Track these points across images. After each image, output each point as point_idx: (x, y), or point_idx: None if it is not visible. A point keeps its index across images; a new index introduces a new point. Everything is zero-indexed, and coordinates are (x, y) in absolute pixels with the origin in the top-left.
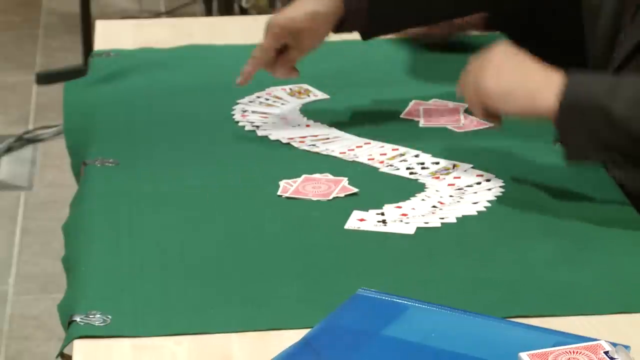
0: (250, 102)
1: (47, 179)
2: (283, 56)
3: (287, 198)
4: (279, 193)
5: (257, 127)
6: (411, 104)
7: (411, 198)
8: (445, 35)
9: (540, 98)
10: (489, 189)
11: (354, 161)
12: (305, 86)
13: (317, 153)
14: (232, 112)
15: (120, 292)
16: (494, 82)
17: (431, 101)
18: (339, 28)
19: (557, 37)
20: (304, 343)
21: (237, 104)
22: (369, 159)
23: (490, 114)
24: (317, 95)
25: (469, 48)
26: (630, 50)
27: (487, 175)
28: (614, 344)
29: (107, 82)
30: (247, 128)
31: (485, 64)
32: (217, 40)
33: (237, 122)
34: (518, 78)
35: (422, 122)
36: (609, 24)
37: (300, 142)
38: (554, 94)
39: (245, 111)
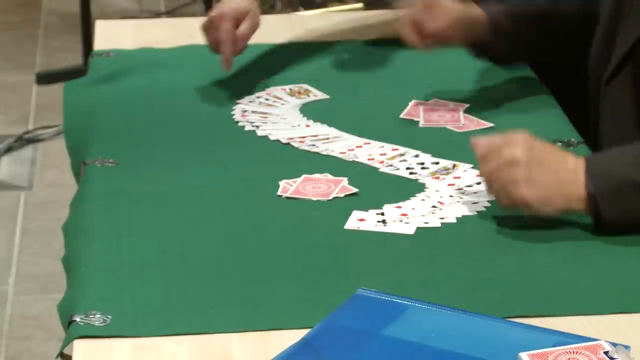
0: (250, 102)
1: (47, 179)
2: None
3: (287, 198)
4: (279, 193)
5: (257, 127)
6: (411, 104)
7: (411, 198)
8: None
9: (574, 199)
10: None
11: (353, 161)
12: (305, 86)
13: (317, 153)
14: (232, 112)
15: (120, 292)
16: (528, 190)
17: (431, 101)
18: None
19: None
20: (304, 343)
21: (237, 104)
22: (368, 159)
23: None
24: (317, 95)
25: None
26: (623, 54)
27: None
28: (614, 344)
29: (107, 82)
30: (247, 128)
31: (514, 168)
32: None
33: (237, 122)
34: (550, 180)
35: (422, 122)
36: (606, 27)
37: (300, 142)
38: (582, 187)
39: (245, 111)
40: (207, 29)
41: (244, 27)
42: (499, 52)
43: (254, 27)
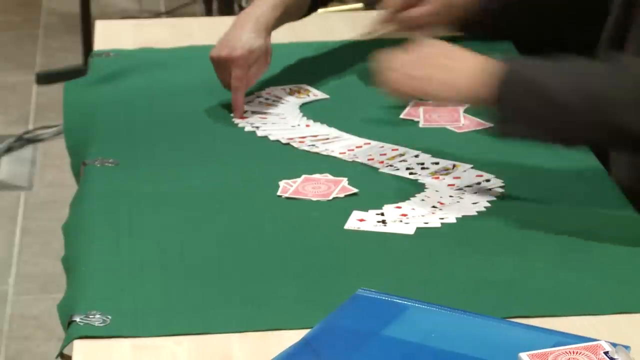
0: (250, 102)
1: (47, 179)
2: None
3: (287, 198)
4: (278, 193)
5: (257, 127)
6: (411, 104)
7: (411, 198)
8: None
9: (468, 85)
10: (489, 189)
11: (353, 161)
12: (305, 86)
13: (317, 153)
14: (232, 113)
15: (120, 292)
16: (420, 70)
17: (431, 101)
18: None
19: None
20: (303, 343)
21: None
22: (368, 159)
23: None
24: (317, 95)
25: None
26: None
27: (487, 175)
28: (614, 344)
29: (107, 82)
30: (247, 129)
31: (411, 54)
32: (217, 40)
33: (237, 122)
34: (444, 65)
35: (422, 122)
36: (619, 17)
37: (300, 142)
38: (483, 78)
39: (245, 111)
40: (217, 66)
41: (254, 69)
42: (485, 29)
43: (266, 66)
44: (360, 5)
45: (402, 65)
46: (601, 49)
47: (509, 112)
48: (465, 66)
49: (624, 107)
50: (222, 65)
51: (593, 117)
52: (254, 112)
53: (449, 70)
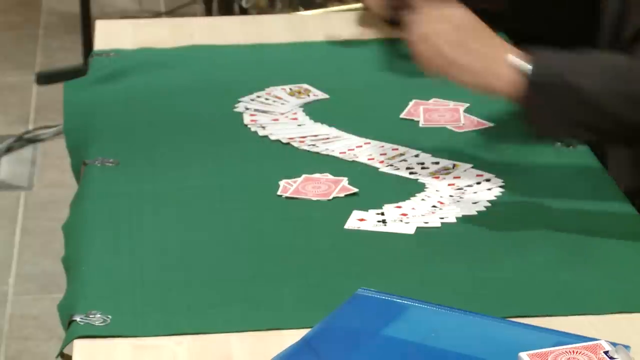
0: (252, 100)
1: (47, 179)
2: None
3: (287, 198)
4: (279, 193)
5: (263, 127)
6: (411, 104)
7: (411, 198)
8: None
9: (497, 78)
10: (489, 189)
11: (354, 161)
12: (305, 86)
13: (317, 153)
14: (235, 109)
15: (120, 292)
16: (451, 50)
17: (431, 101)
18: None
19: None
20: (303, 343)
21: (239, 102)
22: (369, 159)
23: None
24: (317, 95)
25: None
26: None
27: (487, 175)
28: (614, 344)
29: (107, 82)
30: (253, 128)
31: (445, 25)
32: (217, 40)
33: (247, 125)
34: (476, 50)
35: (422, 122)
36: (615, 15)
37: (300, 142)
38: (512, 73)
39: (252, 112)
40: None
41: None
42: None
43: None
44: (360, 5)
45: (434, 35)
46: (602, 39)
47: (541, 112)
48: (496, 56)
49: None
50: None
51: (630, 116)
52: (256, 111)
53: (480, 59)
